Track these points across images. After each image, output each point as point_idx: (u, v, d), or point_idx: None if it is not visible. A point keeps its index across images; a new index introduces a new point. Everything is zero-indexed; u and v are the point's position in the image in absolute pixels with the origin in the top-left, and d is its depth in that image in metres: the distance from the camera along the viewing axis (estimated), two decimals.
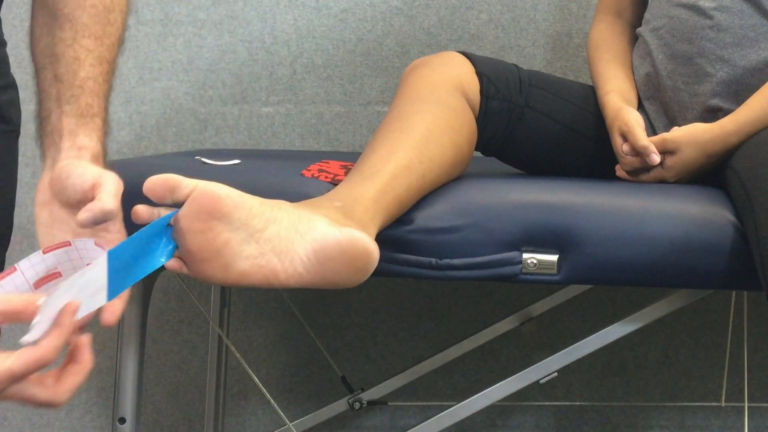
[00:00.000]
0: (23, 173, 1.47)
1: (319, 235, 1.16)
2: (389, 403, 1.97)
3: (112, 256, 1.00)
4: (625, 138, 1.51)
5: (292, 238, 1.16)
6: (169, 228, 1.13)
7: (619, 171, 1.54)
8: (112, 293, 1.03)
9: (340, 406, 1.95)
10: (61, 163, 1.11)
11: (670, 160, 1.49)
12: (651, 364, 2.07)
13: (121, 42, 1.22)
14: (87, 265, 1.01)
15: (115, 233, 1.08)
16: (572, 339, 1.53)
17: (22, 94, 1.29)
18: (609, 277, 1.37)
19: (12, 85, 1.35)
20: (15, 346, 1.48)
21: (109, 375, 2.09)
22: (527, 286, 1.71)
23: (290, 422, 1.76)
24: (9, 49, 1.33)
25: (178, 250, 1.14)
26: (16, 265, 1.03)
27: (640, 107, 1.60)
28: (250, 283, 1.15)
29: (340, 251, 1.17)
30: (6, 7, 1.40)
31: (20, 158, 1.31)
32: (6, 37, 1.36)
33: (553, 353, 1.52)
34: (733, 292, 1.86)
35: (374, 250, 1.19)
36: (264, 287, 1.17)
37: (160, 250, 1.11)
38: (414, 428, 1.55)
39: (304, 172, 1.46)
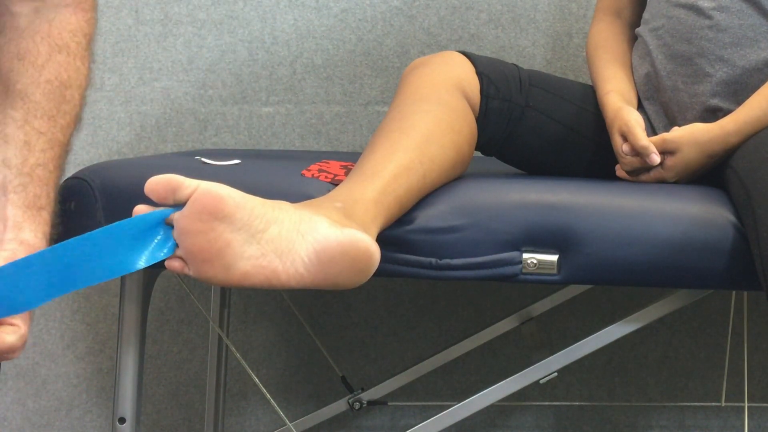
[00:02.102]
0: None
1: (320, 235, 1.16)
2: (389, 403, 1.96)
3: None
4: (625, 138, 1.51)
5: (294, 238, 1.16)
6: (169, 226, 1.13)
7: (619, 171, 1.54)
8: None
9: (340, 406, 1.95)
10: None
11: (670, 160, 1.49)
12: (651, 364, 2.07)
13: (77, 120, 1.15)
14: None
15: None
16: (572, 339, 1.53)
17: None
18: (609, 277, 1.37)
19: None
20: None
21: (109, 375, 2.09)
22: (527, 286, 1.71)
23: (290, 422, 1.76)
24: None
25: (179, 249, 1.14)
26: None
27: (640, 107, 1.60)
28: (251, 283, 1.15)
29: (342, 252, 1.17)
30: None
31: None
32: None
33: (553, 353, 1.52)
34: (733, 292, 1.86)
35: (375, 250, 1.19)
36: (265, 288, 1.17)
37: (157, 246, 1.11)
38: (414, 428, 1.55)
39: (304, 172, 1.46)
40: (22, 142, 1.10)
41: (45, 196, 1.10)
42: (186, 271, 1.15)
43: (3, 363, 1.42)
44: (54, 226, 1.12)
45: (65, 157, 1.14)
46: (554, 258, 1.36)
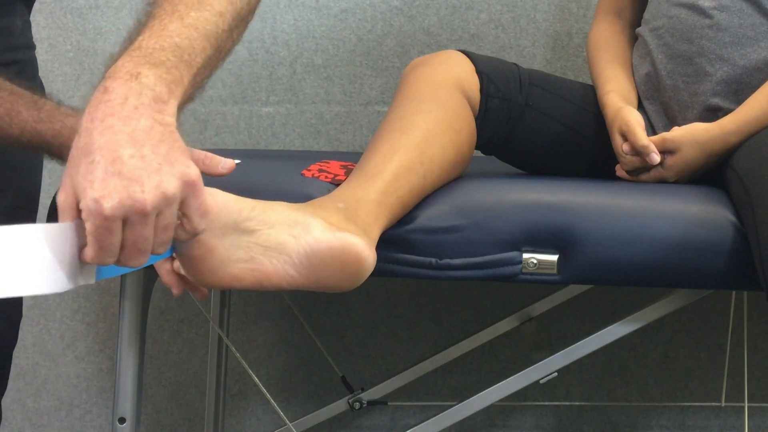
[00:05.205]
0: (45, 175, 1.47)
1: (312, 238, 1.16)
2: (389, 403, 1.96)
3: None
4: (625, 137, 1.51)
5: (285, 241, 1.15)
6: None
7: (619, 171, 1.54)
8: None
9: (340, 406, 1.95)
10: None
11: (670, 160, 1.49)
12: (651, 364, 2.07)
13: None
14: None
15: None
16: (572, 339, 1.53)
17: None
18: (609, 277, 1.37)
19: (39, 87, 1.35)
20: (30, 345, 1.48)
21: (109, 375, 2.09)
22: (527, 286, 1.71)
23: (290, 422, 1.76)
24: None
25: (176, 252, 1.14)
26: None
27: (640, 107, 1.60)
28: (242, 286, 1.15)
29: (332, 256, 1.16)
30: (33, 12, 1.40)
31: (45, 161, 1.30)
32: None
33: (553, 353, 1.52)
34: (733, 292, 1.86)
35: (368, 256, 1.19)
36: (257, 290, 1.17)
37: None
38: (414, 428, 1.55)
39: (304, 172, 1.46)
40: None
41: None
42: (181, 272, 1.15)
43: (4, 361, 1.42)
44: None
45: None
46: (554, 258, 1.36)
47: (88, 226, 0.92)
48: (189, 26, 1.05)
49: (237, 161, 1.56)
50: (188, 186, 0.95)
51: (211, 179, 1.17)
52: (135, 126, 0.94)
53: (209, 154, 1.10)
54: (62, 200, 0.94)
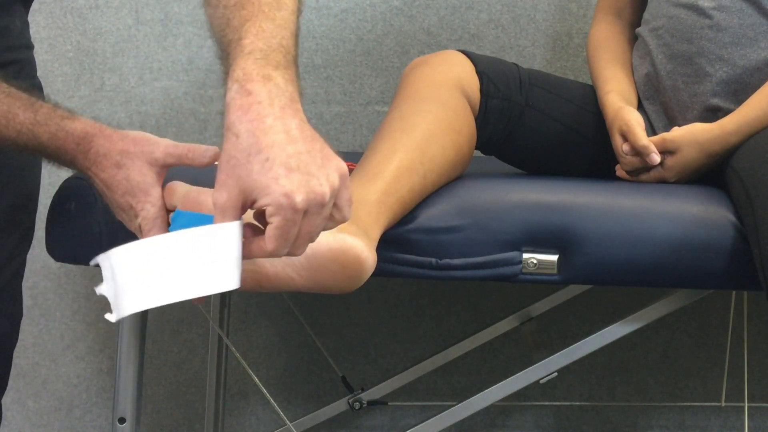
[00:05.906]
0: (45, 175, 1.47)
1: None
2: (389, 403, 1.96)
3: None
4: (625, 138, 1.51)
5: None
6: None
7: (619, 171, 1.54)
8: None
9: (340, 406, 1.95)
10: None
11: (670, 160, 1.49)
12: (651, 364, 2.07)
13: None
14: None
15: None
16: (572, 339, 1.53)
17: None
18: (609, 277, 1.37)
19: (37, 87, 1.35)
20: (31, 343, 1.48)
21: (109, 375, 2.09)
22: (527, 286, 1.71)
23: (290, 422, 1.76)
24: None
25: None
26: None
27: (640, 107, 1.60)
28: (241, 287, 1.15)
29: (332, 258, 1.16)
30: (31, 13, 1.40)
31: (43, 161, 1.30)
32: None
33: (553, 353, 1.52)
34: (733, 292, 1.86)
35: (367, 258, 1.19)
36: (257, 291, 1.17)
37: None
38: (414, 428, 1.55)
39: None
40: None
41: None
42: None
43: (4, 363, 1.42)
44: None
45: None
46: (554, 258, 1.36)
47: (277, 220, 0.97)
48: (280, 27, 1.08)
49: None
50: (343, 178, 1.01)
51: (209, 177, 1.17)
52: (289, 125, 1.00)
53: (191, 146, 1.11)
54: (224, 200, 0.98)
